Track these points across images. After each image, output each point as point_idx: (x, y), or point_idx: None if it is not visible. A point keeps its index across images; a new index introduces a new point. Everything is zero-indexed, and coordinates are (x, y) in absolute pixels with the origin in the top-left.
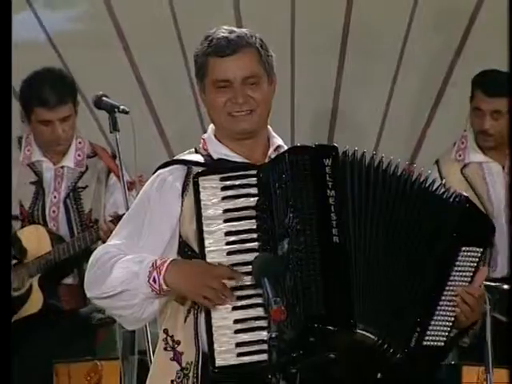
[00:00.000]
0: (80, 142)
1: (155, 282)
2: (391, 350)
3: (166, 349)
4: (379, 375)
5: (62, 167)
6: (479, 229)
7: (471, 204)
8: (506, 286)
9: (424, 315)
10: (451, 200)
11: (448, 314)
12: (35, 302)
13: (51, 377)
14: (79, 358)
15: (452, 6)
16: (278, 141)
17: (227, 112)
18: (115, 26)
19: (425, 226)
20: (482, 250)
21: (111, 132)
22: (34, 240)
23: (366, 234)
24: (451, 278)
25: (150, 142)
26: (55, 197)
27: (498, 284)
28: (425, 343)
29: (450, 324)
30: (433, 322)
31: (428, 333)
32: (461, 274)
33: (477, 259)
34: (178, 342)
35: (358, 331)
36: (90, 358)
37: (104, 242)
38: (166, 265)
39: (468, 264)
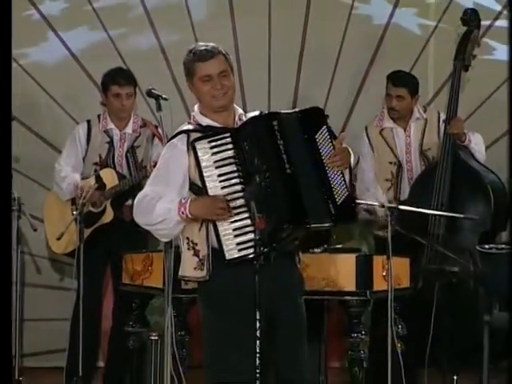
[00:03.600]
0: (136, 117)
1: (183, 213)
2: (327, 223)
3: (188, 249)
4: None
5: (125, 133)
6: (315, 118)
7: (302, 111)
8: (401, 206)
9: (327, 191)
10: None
11: (337, 175)
12: (108, 215)
13: (121, 263)
14: (138, 250)
15: (367, 32)
16: (239, 111)
17: (211, 95)
18: (159, 45)
19: (304, 141)
20: (324, 127)
21: (157, 111)
22: (109, 177)
23: (303, 163)
24: (323, 159)
25: (181, 119)
26: (120, 151)
27: (396, 205)
28: (338, 202)
29: (341, 177)
30: (333, 189)
31: (336, 197)
32: (325, 148)
33: (326, 133)
34: (196, 244)
35: (312, 226)
36: (145, 251)
37: None
38: (188, 202)
39: (324, 139)
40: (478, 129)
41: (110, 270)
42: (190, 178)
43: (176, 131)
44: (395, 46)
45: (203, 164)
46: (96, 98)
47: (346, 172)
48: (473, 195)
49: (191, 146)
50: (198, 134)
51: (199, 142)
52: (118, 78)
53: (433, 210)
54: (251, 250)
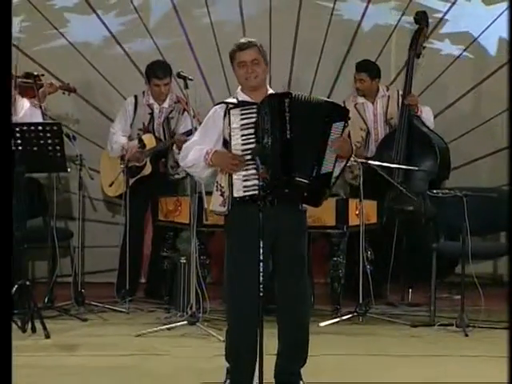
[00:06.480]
0: (171, 95)
1: (207, 159)
2: (306, 180)
3: (216, 190)
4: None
5: (163, 107)
6: (342, 114)
7: (333, 104)
8: (370, 162)
9: (318, 160)
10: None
11: (331, 155)
12: (147, 169)
13: (157, 205)
14: (170, 195)
15: (345, 28)
16: (270, 90)
17: (245, 77)
18: (186, 39)
19: (320, 123)
20: (343, 123)
21: (185, 89)
22: (149, 140)
23: (301, 131)
24: (330, 137)
25: (202, 95)
26: (159, 121)
27: (365, 161)
28: (321, 172)
29: (334, 159)
30: (323, 162)
31: (322, 167)
32: (334, 134)
33: (342, 126)
34: (222, 187)
35: (296, 179)
36: (175, 195)
37: (177, 144)
38: (211, 152)
39: (338, 129)
40: (427, 102)
41: (149, 210)
42: (223, 136)
43: (219, 101)
44: (366, 39)
45: (233, 126)
46: (136, 77)
47: (342, 161)
48: (424, 152)
49: (227, 113)
50: (233, 106)
51: (234, 110)
52: (158, 73)
53: (394, 163)
54: (253, 192)
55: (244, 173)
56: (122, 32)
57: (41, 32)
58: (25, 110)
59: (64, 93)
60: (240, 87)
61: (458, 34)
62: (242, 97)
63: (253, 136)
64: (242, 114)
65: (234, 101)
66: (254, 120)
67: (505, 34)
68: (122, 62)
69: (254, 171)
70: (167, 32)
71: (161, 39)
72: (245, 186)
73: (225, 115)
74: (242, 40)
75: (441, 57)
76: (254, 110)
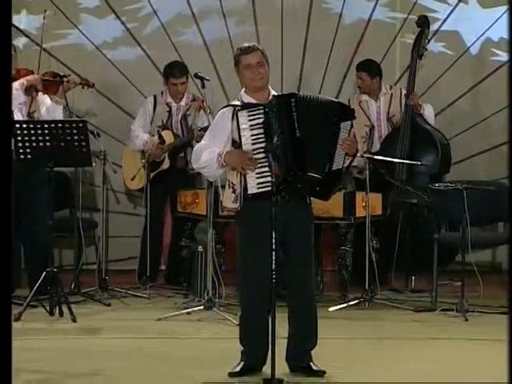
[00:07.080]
0: (188, 94)
1: (219, 162)
2: (319, 175)
3: (229, 187)
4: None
5: (180, 105)
6: (348, 114)
7: (341, 104)
8: (375, 156)
9: (330, 157)
10: (336, 108)
11: (340, 153)
12: (166, 163)
13: (176, 197)
14: (188, 188)
15: (351, 31)
16: (273, 91)
17: (250, 79)
18: (203, 42)
19: (329, 122)
20: (349, 122)
21: (202, 88)
22: (168, 136)
23: (310, 129)
24: (340, 136)
25: (218, 94)
26: (176, 118)
27: (371, 155)
28: (332, 168)
29: (343, 156)
30: (334, 159)
31: (333, 164)
32: (343, 134)
33: (349, 125)
34: (234, 184)
35: (308, 174)
36: (193, 188)
37: (196, 139)
38: (224, 153)
39: (346, 129)
40: (428, 101)
41: (168, 202)
42: (232, 137)
43: (225, 105)
44: (372, 41)
45: (242, 127)
46: (155, 76)
47: (349, 159)
48: (426, 148)
49: (235, 115)
50: (240, 108)
51: (241, 112)
52: (175, 72)
53: (398, 159)
54: (267, 189)
55: (257, 170)
56: (138, 33)
57: (59, 30)
58: (46, 106)
59: (83, 87)
60: (243, 89)
61: (457, 36)
62: (247, 98)
63: (262, 135)
64: (250, 115)
65: (239, 103)
66: (261, 120)
67: (492, 35)
68: (142, 62)
69: (266, 168)
70: (184, 35)
71: (177, 40)
72: (258, 183)
73: (232, 117)
74: (246, 44)
75: (439, 57)
76: (261, 111)
